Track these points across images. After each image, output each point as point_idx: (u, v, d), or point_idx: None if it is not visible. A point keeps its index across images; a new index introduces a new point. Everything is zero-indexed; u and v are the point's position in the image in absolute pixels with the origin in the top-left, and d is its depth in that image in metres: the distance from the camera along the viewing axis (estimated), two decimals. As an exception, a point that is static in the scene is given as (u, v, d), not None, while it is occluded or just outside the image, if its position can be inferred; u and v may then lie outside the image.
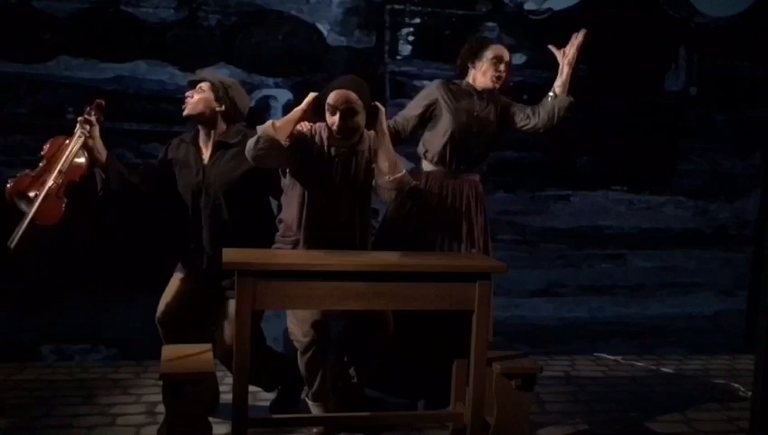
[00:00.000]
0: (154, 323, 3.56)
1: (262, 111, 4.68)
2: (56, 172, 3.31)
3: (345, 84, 3.31)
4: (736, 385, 4.56)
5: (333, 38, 4.74)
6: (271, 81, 4.69)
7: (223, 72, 4.60)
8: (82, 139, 3.38)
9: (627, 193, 5.21)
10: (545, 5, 4.94)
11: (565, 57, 3.77)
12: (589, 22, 4.94)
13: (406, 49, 4.86)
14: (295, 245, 3.41)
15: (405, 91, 4.84)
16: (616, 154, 5.17)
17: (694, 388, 4.53)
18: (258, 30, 4.65)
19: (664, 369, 4.89)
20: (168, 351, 3.26)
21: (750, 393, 4.02)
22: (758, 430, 3.61)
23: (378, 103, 3.39)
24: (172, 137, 4.53)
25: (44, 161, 3.39)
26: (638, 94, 5.16)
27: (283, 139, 3.21)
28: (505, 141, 4.91)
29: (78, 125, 3.40)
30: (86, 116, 3.44)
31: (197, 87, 3.56)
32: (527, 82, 4.96)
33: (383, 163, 3.35)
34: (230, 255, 3.09)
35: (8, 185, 3.35)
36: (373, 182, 3.42)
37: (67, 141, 3.39)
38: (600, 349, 5.16)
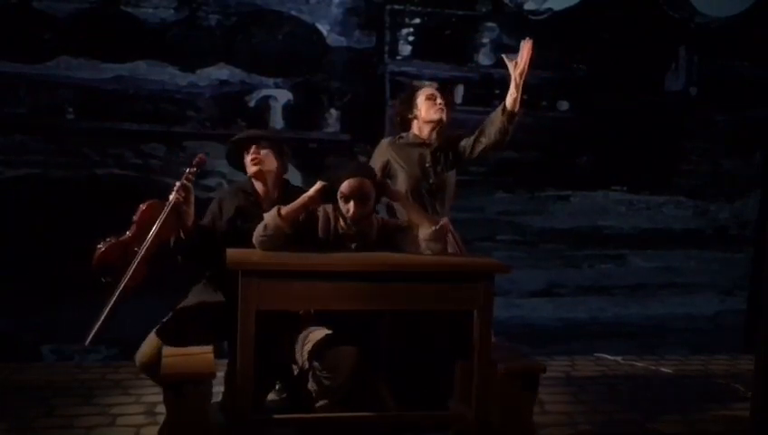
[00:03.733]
0: (154, 324, 3.55)
1: (262, 111, 4.68)
2: (149, 241, 3.26)
3: (356, 172, 3.31)
4: (736, 385, 4.56)
5: (333, 38, 4.74)
6: (271, 81, 4.69)
7: (222, 72, 4.61)
8: (176, 203, 3.32)
9: (627, 193, 5.22)
10: (545, 5, 4.94)
11: (517, 68, 3.66)
12: (589, 22, 5.01)
13: (406, 49, 4.86)
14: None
15: (405, 91, 4.83)
16: (616, 154, 5.17)
17: (694, 388, 4.53)
18: (258, 30, 4.65)
19: (664, 369, 4.89)
20: (169, 351, 3.25)
21: (750, 393, 4.02)
22: (758, 430, 3.61)
23: (385, 180, 3.48)
24: (172, 136, 4.60)
25: (134, 227, 3.33)
26: (638, 94, 5.16)
27: (287, 227, 3.21)
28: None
29: (174, 191, 3.33)
30: (184, 181, 3.36)
31: (261, 144, 3.54)
32: (527, 82, 4.95)
33: (420, 220, 3.35)
34: (234, 255, 3.09)
35: (99, 250, 3.28)
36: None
37: (160, 209, 3.32)
38: (600, 349, 5.16)
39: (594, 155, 5.15)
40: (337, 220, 3.39)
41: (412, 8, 4.84)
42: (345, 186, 3.27)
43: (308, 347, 3.29)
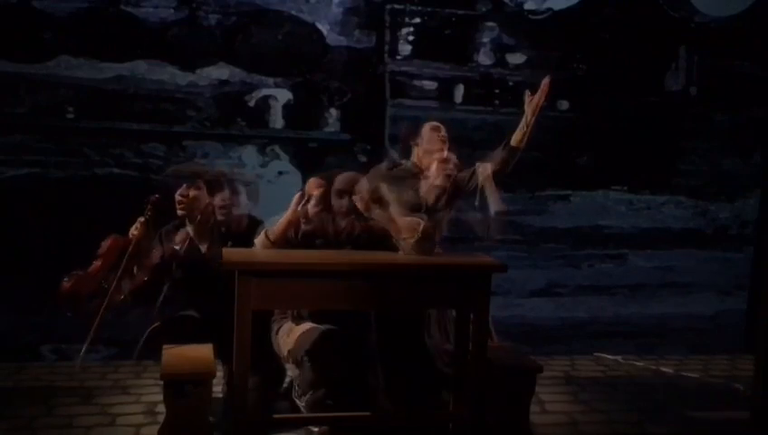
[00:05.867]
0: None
1: (262, 111, 4.68)
2: (118, 276, 3.40)
3: (323, 175, 3.46)
4: (736, 385, 4.56)
5: (333, 38, 4.73)
6: (271, 80, 4.69)
7: (222, 72, 4.61)
8: (138, 239, 3.47)
9: (627, 193, 5.22)
10: (545, 5, 4.94)
11: (530, 104, 3.67)
12: (589, 22, 5.00)
13: (406, 49, 4.85)
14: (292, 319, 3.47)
15: (405, 90, 4.84)
16: (616, 154, 5.17)
17: (694, 388, 4.53)
18: (258, 30, 4.65)
19: (664, 369, 4.89)
20: (169, 351, 3.25)
21: (750, 393, 4.02)
22: (758, 431, 3.62)
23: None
24: (172, 136, 4.59)
25: (100, 261, 3.46)
26: (638, 94, 5.16)
27: (278, 246, 3.30)
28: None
29: (136, 226, 3.50)
30: (145, 218, 3.52)
31: (195, 184, 3.58)
32: (527, 83, 4.96)
33: (405, 225, 3.37)
34: (230, 254, 3.09)
35: (64, 283, 3.42)
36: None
37: (124, 243, 3.46)
38: (599, 349, 5.16)
39: (594, 155, 5.14)
40: (329, 221, 3.45)
41: (412, 8, 4.83)
42: (338, 181, 3.43)
43: (293, 338, 3.30)
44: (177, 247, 3.51)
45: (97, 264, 3.45)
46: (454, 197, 3.83)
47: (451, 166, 3.76)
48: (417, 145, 3.85)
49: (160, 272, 3.55)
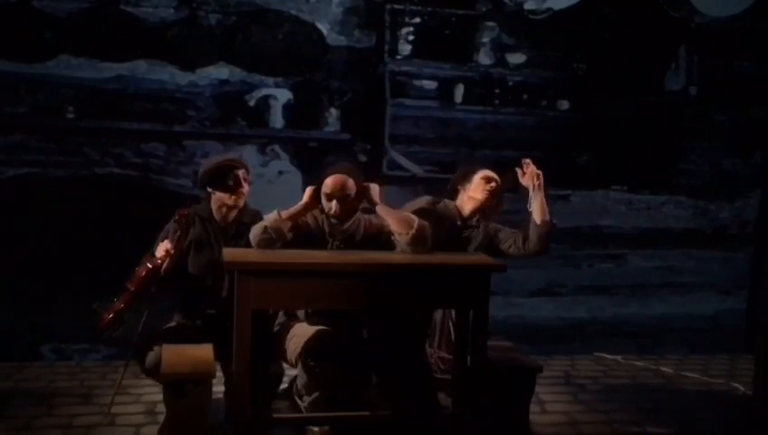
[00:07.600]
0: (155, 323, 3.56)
1: (262, 111, 4.68)
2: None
3: (338, 171, 3.39)
4: (736, 385, 4.56)
5: (333, 38, 4.73)
6: (271, 80, 4.69)
7: (222, 72, 4.61)
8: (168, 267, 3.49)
9: (627, 193, 5.22)
10: (545, 5, 4.93)
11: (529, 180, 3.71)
12: (589, 22, 5.00)
13: (406, 49, 4.85)
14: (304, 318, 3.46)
15: (405, 90, 4.84)
16: (616, 154, 5.17)
17: (694, 388, 4.53)
18: (258, 29, 4.65)
19: (664, 369, 4.89)
20: (169, 351, 3.26)
21: (750, 393, 4.02)
22: (758, 430, 3.62)
23: (371, 184, 3.44)
24: (172, 136, 4.59)
25: (130, 295, 3.47)
26: (638, 94, 5.16)
27: (287, 229, 3.25)
28: (505, 140, 4.94)
29: (163, 251, 3.47)
30: (173, 237, 3.50)
31: (242, 175, 3.56)
32: (527, 82, 4.97)
33: (395, 227, 3.34)
34: (230, 254, 3.09)
35: (105, 315, 3.46)
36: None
37: (155, 267, 3.46)
38: (599, 348, 5.16)
39: (594, 155, 5.14)
40: (324, 220, 3.42)
41: (412, 7, 4.83)
42: (327, 184, 3.35)
43: (296, 341, 3.30)
44: (158, 262, 3.45)
45: (130, 293, 3.45)
46: (490, 247, 3.80)
47: (493, 184, 3.73)
48: (464, 190, 3.78)
49: (147, 285, 3.49)
